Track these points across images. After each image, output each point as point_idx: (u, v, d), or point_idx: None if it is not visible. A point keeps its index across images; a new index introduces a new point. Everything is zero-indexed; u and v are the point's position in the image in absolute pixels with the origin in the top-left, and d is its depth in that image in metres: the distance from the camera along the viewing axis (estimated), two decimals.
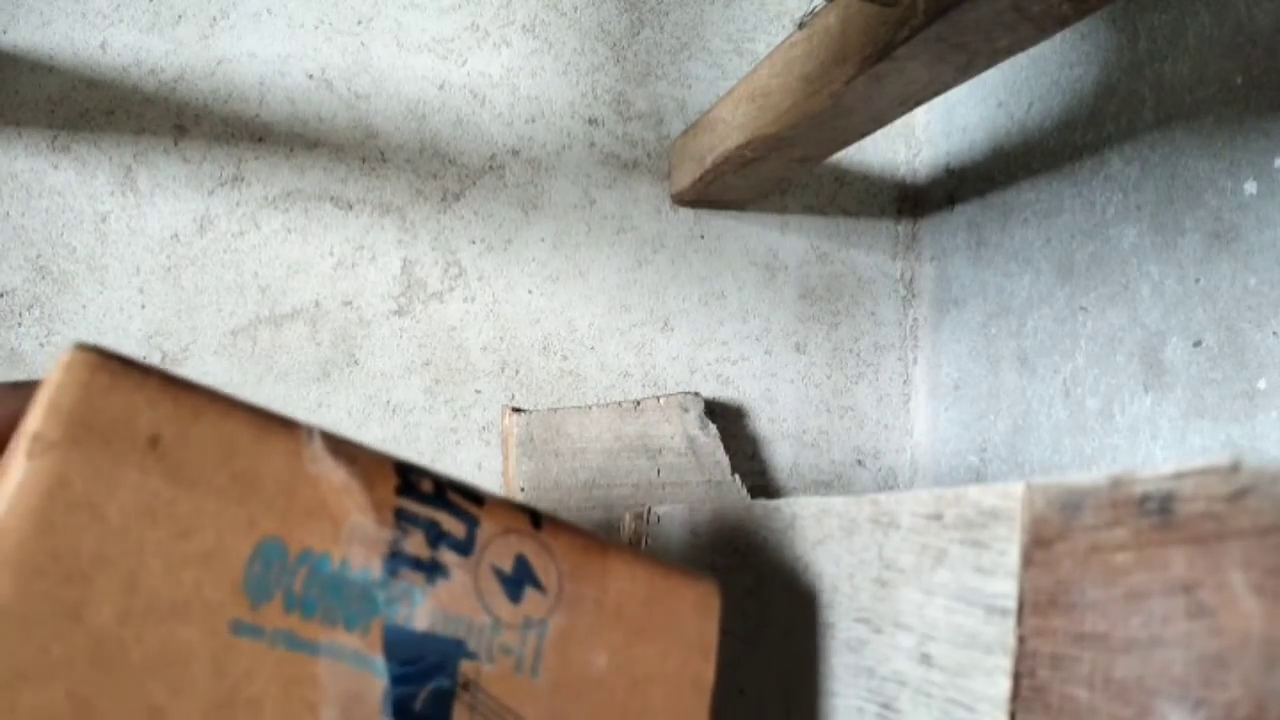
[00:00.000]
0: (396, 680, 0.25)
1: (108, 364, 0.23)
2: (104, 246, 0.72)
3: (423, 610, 0.25)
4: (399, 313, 0.78)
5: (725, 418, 0.86)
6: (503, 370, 0.80)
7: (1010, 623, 0.27)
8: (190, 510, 0.23)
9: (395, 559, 0.25)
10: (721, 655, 0.32)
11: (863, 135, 0.69)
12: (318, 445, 0.25)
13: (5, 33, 0.72)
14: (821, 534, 0.38)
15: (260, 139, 0.76)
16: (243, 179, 0.76)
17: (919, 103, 0.63)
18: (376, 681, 0.24)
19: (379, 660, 0.25)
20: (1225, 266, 0.61)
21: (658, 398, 0.80)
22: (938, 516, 0.31)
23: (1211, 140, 0.62)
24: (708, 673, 0.30)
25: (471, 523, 0.27)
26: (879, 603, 0.33)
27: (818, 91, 0.63)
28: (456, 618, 0.26)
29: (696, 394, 0.82)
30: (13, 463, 0.21)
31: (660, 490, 0.77)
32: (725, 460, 0.79)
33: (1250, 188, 0.59)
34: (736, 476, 0.79)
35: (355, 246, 0.78)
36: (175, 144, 0.74)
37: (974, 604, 0.28)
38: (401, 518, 0.26)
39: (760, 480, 0.87)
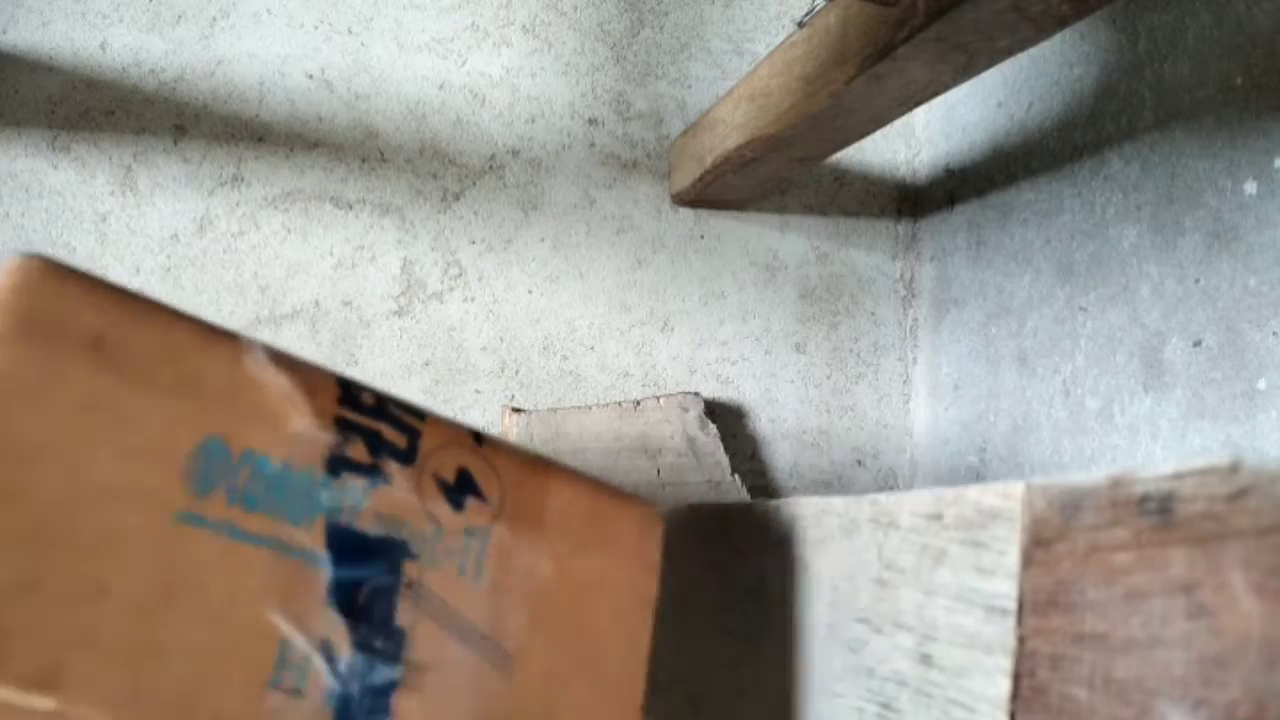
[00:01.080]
0: (339, 574, 0.26)
1: (54, 270, 0.24)
2: (104, 246, 0.72)
3: (365, 511, 0.27)
4: (399, 313, 0.78)
5: (725, 418, 0.86)
6: (503, 370, 0.80)
7: (1010, 623, 0.27)
8: (134, 406, 0.24)
9: (336, 462, 0.27)
10: (665, 597, 0.33)
11: (863, 135, 0.69)
12: (259, 354, 0.26)
13: (5, 33, 0.72)
14: (821, 534, 0.38)
15: (260, 139, 0.76)
16: (243, 179, 0.76)
17: (919, 103, 0.63)
18: (319, 573, 0.26)
19: (322, 553, 0.26)
20: (1225, 266, 0.61)
21: (658, 398, 0.80)
22: (938, 516, 0.31)
23: (1211, 140, 0.62)
24: (651, 586, 0.32)
25: (413, 434, 0.28)
26: (879, 603, 0.33)
27: (818, 91, 0.63)
28: (399, 520, 0.27)
29: (696, 394, 0.82)
30: None
31: (660, 490, 0.77)
32: (725, 460, 0.79)
33: (1250, 188, 0.59)
34: (736, 476, 0.79)
35: (355, 246, 0.78)
36: (175, 144, 0.74)
37: (974, 604, 0.28)
38: (343, 426, 0.27)
39: (760, 480, 0.87)
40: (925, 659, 0.30)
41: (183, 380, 0.25)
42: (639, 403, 0.80)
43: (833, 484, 0.89)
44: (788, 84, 0.66)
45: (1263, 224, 0.59)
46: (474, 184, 0.82)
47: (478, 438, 0.30)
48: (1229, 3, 0.61)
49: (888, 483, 0.91)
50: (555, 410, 0.78)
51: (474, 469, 0.29)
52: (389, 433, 0.28)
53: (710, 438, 0.80)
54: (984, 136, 0.86)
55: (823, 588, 0.37)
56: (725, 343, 0.87)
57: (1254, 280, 0.59)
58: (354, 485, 0.27)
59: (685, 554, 0.54)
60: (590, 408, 0.79)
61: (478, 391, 0.80)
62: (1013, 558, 0.27)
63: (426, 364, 0.78)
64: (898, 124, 0.93)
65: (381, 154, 0.79)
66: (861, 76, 0.58)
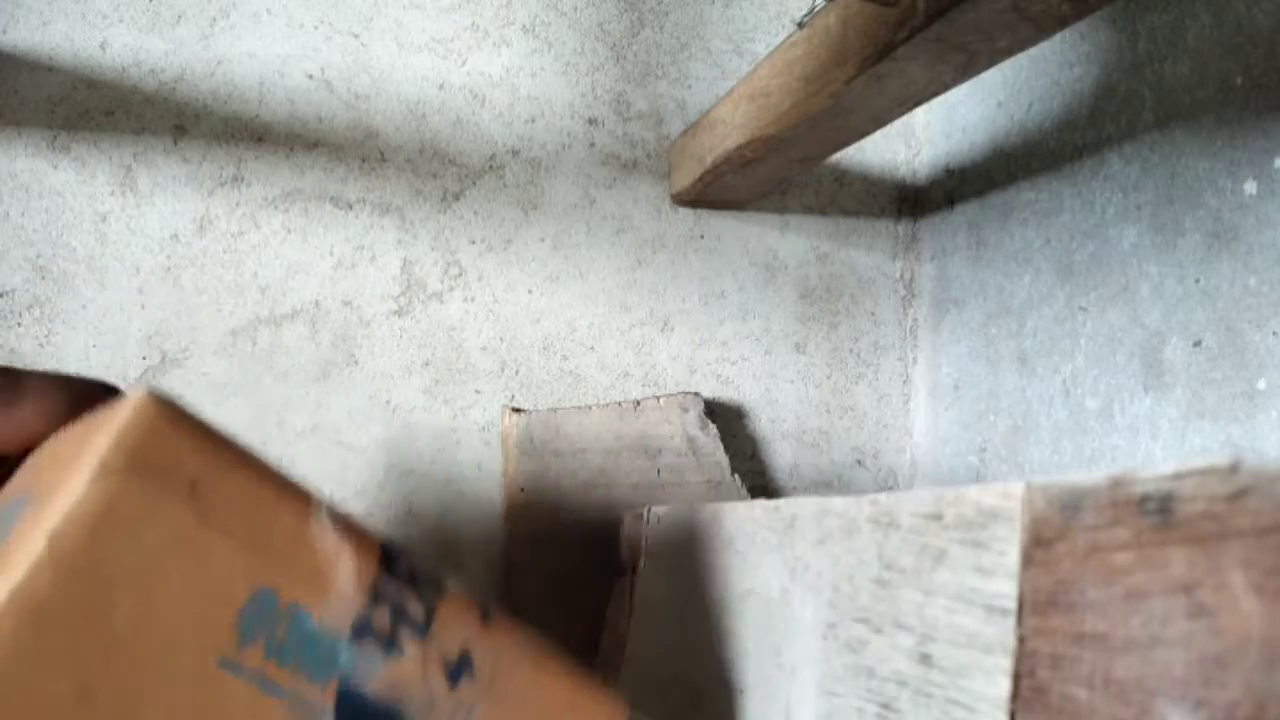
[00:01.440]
0: None
1: (170, 412, 0.27)
2: (104, 246, 0.72)
3: (375, 677, 0.29)
4: (399, 313, 0.78)
5: (725, 418, 0.86)
6: (502, 370, 0.80)
7: (1010, 623, 0.27)
8: (209, 550, 0.26)
9: (362, 628, 0.29)
10: None
11: (863, 135, 0.69)
12: (324, 515, 0.29)
13: (5, 33, 0.72)
14: (821, 534, 0.38)
15: (260, 139, 0.76)
16: (243, 179, 0.76)
17: (919, 103, 0.63)
18: None
19: (329, 714, 0.28)
20: (1225, 266, 0.61)
21: (658, 398, 0.80)
22: (938, 516, 0.31)
23: (1211, 140, 0.62)
24: None
25: (431, 610, 0.31)
26: (879, 603, 0.33)
27: (818, 92, 0.63)
28: (401, 689, 0.29)
29: (696, 394, 0.82)
30: (76, 478, 0.25)
31: (660, 490, 0.77)
32: (725, 460, 0.79)
33: (1250, 188, 0.59)
34: (736, 476, 0.79)
35: (355, 246, 0.78)
36: (175, 144, 0.75)
37: (974, 604, 0.28)
38: (376, 593, 0.29)
39: (760, 480, 0.87)
40: (925, 659, 0.30)
41: (254, 531, 0.27)
42: (639, 403, 0.80)
43: (833, 484, 0.89)
44: (788, 84, 0.66)
45: (1263, 224, 0.59)
46: (474, 184, 0.82)
47: (485, 614, 0.32)
48: (1229, 3, 0.61)
49: (888, 483, 0.91)
50: (555, 410, 0.78)
51: (475, 648, 0.32)
52: (412, 605, 0.30)
53: (710, 438, 0.80)
54: (984, 136, 0.86)
55: (823, 588, 0.37)
56: (725, 343, 0.87)
57: (1254, 280, 0.59)
58: (371, 652, 0.29)
59: (685, 554, 0.54)
60: (590, 408, 0.79)
61: (478, 392, 0.80)
62: (1013, 558, 0.27)
63: (426, 364, 0.78)
64: (898, 124, 0.93)
65: (381, 154, 0.79)
66: (861, 76, 0.58)
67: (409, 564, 0.31)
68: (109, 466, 0.25)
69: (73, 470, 0.25)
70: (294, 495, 0.29)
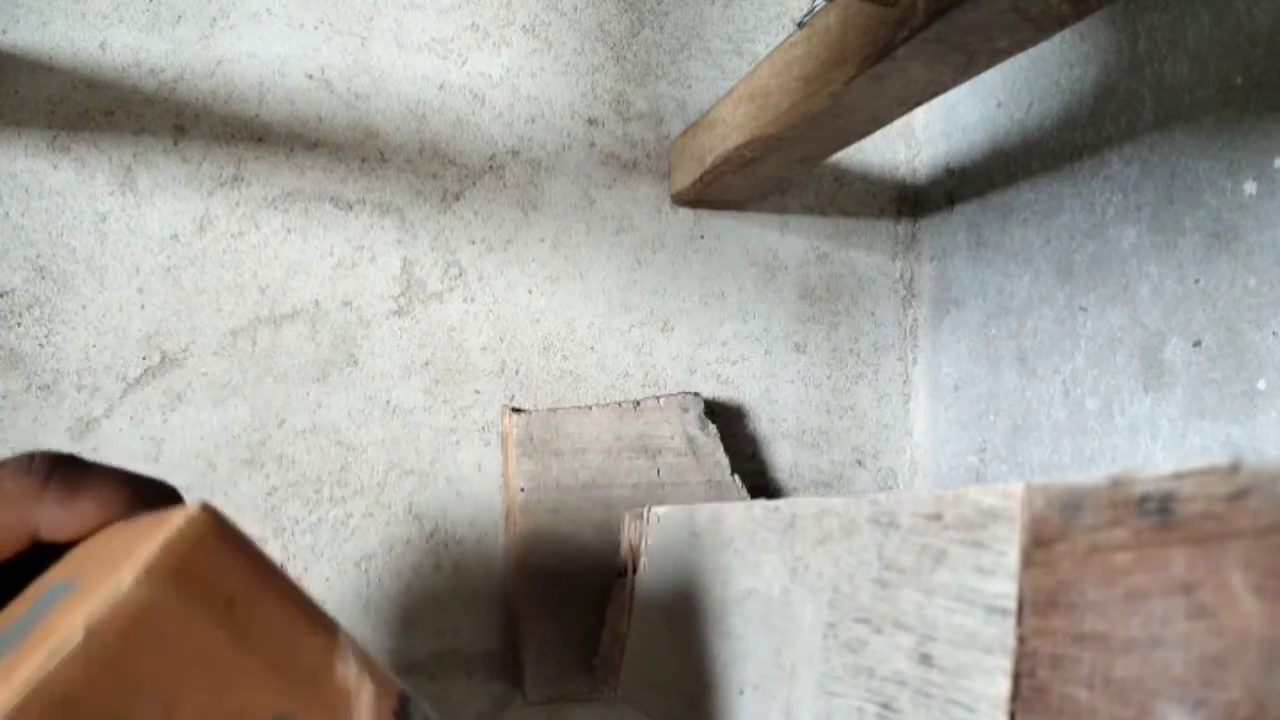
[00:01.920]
0: None
1: (221, 528, 0.27)
2: (104, 246, 0.72)
3: None
4: (399, 313, 0.78)
5: (725, 418, 0.86)
6: (502, 370, 0.80)
7: (1010, 623, 0.27)
8: (234, 669, 0.26)
9: None
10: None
11: (863, 135, 0.69)
12: (350, 650, 0.29)
13: (5, 33, 0.72)
14: (821, 534, 0.38)
15: (260, 139, 0.76)
16: (242, 179, 0.76)
17: (919, 103, 0.63)
18: None
19: None
20: (1225, 266, 0.61)
21: (658, 398, 0.80)
22: (938, 516, 0.31)
23: (1211, 140, 0.62)
24: None
25: None
26: (879, 603, 0.33)
27: (818, 92, 0.63)
28: None
29: (696, 394, 0.82)
30: (120, 577, 0.25)
31: (660, 490, 0.77)
32: (725, 460, 0.79)
33: (1250, 188, 0.59)
34: (736, 476, 0.79)
35: (355, 247, 0.78)
36: (175, 144, 0.75)
37: (974, 604, 0.28)
38: None
39: (760, 480, 0.87)
40: (925, 659, 0.30)
41: (282, 657, 0.27)
42: (639, 403, 0.80)
43: (833, 484, 0.89)
44: (787, 84, 0.66)
45: (1263, 224, 0.59)
46: (474, 184, 0.82)
47: None
48: (1229, 3, 0.61)
49: (888, 483, 0.91)
50: (555, 410, 0.78)
51: None
52: None
53: (710, 438, 0.80)
54: (984, 136, 0.86)
55: (823, 588, 0.37)
56: (725, 343, 0.87)
57: (1254, 280, 0.59)
58: None
59: (685, 554, 0.54)
60: (590, 408, 0.79)
61: (477, 392, 0.80)
62: (1013, 558, 0.27)
63: (426, 364, 0.78)
64: (898, 124, 0.93)
65: (381, 154, 0.79)
66: (861, 76, 0.58)
67: (424, 714, 0.31)
68: (154, 571, 0.25)
69: (119, 569, 0.25)
70: (324, 626, 0.29)
